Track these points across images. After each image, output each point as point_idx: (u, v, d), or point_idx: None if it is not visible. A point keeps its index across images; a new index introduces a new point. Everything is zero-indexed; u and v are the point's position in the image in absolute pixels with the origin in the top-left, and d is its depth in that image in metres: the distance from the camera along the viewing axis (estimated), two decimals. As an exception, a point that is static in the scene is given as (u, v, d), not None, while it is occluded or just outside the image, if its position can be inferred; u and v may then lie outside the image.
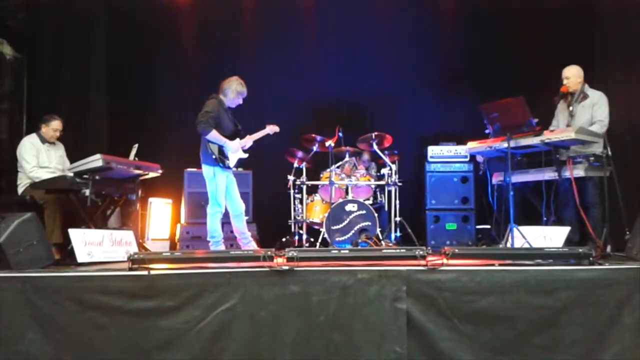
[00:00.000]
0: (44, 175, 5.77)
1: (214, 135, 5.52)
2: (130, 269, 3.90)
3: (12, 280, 3.79)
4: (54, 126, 6.09)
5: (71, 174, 5.42)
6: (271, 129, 6.06)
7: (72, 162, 5.79)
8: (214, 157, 5.56)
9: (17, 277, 3.81)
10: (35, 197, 5.65)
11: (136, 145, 5.88)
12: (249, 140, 5.92)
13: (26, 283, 3.76)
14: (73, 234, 4.61)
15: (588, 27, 7.07)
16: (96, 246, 4.74)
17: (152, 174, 6.04)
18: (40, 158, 5.93)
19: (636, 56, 6.36)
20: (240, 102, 5.81)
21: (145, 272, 3.83)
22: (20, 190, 5.89)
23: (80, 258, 4.54)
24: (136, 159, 5.83)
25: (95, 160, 5.25)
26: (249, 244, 5.87)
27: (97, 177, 5.37)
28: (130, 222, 6.34)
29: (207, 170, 5.64)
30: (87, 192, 5.29)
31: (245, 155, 5.95)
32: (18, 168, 5.94)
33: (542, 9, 7.45)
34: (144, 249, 5.88)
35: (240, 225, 5.87)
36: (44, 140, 6.04)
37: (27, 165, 5.83)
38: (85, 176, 5.33)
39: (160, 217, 7.50)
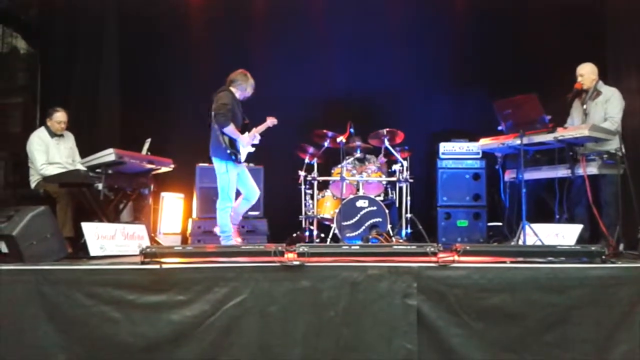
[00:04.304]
0: (54, 171, 5.78)
1: (231, 129, 5.52)
2: (142, 263, 3.91)
3: (25, 273, 3.82)
4: (58, 118, 6.06)
5: (84, 168, 5.45)
6: (271, 121, 6.04)
7: (85, 156, 5.81)
8: (228, 151, 5.55)
9: (30, 270, 3.84)
10: (49, 191, 5.69)
11: (149, 140, 5.91)
12: (257, 134, 5.92)
13: (39, 276, 3.78)
14: (86, 227, 4.63)
15: (601, 23, 7.01)
16: (108, 240, 4.75)
17: (164, 169, 6.07)
18: (50, 153, 5.93)
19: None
20: (251, 93, 5.84)
21: (157, 266, 3.85)
22: (32, 184, 5.91)
23: (92, 251, 4.56)
24: (149, 153, 5.86)
25: (108, 155, 5.28)
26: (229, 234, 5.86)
27: (109, 172, 5.40)
28: (142, 216, 6.37)
29: (219, 164, 5.64)
30: (100, 186, 5.33)
31: (253, 149, 5.96)
32: (29, 163, 5.98)
33: (555, 6, 7.39)
34: (155, 243, 5.91)
35: (243, 210, 5.92)
36: (52, 133, 6.04)
37: (37, 162, 5.85)
38: (98, 170, 5.37)
39: (172, 211, 7.53)
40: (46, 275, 3.80)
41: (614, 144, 5.32)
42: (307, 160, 7.11)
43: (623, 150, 5.21)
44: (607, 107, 5.56)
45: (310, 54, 8.02)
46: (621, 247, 5.00)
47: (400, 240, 6.57)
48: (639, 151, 5.99)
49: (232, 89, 5.73)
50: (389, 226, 6.56)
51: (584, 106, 5.72)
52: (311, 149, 7.06)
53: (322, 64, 8.01)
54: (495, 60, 7.73)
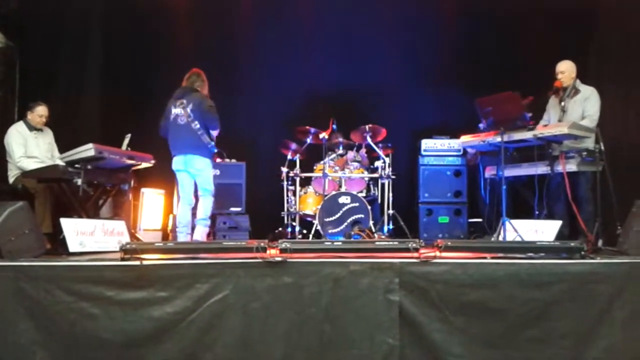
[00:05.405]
0: (32, 165, 5.72)
1: (218, 130, 5.58)
2: (123, 259, 3.88)
3: (3, 269, 3.77)
4: (39, 112, 6.01)
5: (63, 163, 5.39)
6: None
7: (64, 151, 5.75)
8: (215, 150, 5.60)
9: (8, 267, 3.79)
10: (28, 186, 5.62)
11: (129, 135, 5.86)
12: None
13: (17, 272, 3.74)
14: (65, 223, 4.59)
15: (585, 23, 7.07)
16: (88, 236, 4.71)
17: (144, 164, 6.03)
18: (28, 147, 5.86)
19: (632, 52, 6.37)
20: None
21: (137, 263, 3.82)
22: (11, 180, 5.83)
23: (72, 248, 4.53)
24: (129, 148, 5.82)
25: (88, 150, 5.23)
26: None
27: (89, 167, 5.35)
28: (122, 212, 6.32)
29: (203, 161, 5.68)
30: (79, 181, 5.27)
31: None
32: (7, 157, 5.89)
33: (539, 5, 7.43)
34: (136, 239, 5.85)
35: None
36: (31, 127, 5.97)
37: (15, 154, 5.78)
38: (77, 165, 5.32)
39: (153, 207, 7.47)
40: (25, 271, 3.76)
41: (592, 142, 5.39)
42: (289, 157, 7.10)
43: (602, 147, 5.27)
44: (586, 105, 5.63)
45: (295, 50, 7.99)
46: (600, 243, 5.06)
47: (382, 237, 6.59)
48: (617, 147, 6.07)
49: (199, 90, 5.73)
50: (371, 222, 6.57)
51: (562, 103, 5.78)
52: (293, 145, 7.05)
53: (305, 61, 7.99)
54: (477, 58, 7.78)
